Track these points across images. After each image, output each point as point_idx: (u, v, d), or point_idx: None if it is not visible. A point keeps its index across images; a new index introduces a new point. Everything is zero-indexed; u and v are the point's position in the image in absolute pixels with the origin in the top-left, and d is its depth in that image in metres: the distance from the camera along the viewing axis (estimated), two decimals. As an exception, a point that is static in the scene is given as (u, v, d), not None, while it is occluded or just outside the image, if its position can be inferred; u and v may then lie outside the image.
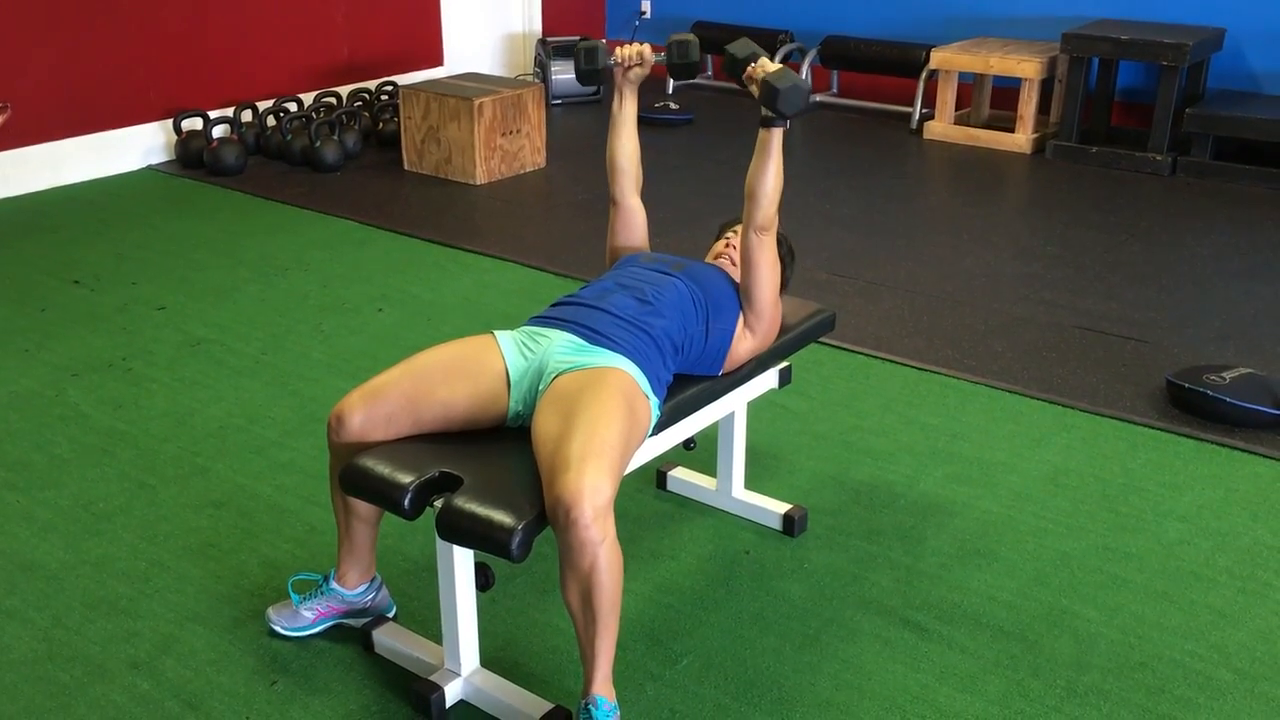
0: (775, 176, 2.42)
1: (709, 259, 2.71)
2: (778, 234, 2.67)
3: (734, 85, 7.57)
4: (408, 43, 6.94)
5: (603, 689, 2.07)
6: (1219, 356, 3.79)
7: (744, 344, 2.51)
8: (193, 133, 5.80)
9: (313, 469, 3.09)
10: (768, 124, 2.39)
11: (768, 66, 2.37)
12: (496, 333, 2.36)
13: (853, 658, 2.41)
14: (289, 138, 5.84)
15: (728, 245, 2.69)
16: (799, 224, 4.94)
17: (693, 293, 2.45)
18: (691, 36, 2.59)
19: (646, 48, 2.60)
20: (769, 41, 7.15)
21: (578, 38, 7.37)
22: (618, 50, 2.60)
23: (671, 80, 2.68)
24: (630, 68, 2.60)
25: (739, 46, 2.42)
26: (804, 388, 3.51)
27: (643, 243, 2.73)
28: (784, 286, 2.67)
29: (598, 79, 2.59)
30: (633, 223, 2.71)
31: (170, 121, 5.85)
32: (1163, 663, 2.41)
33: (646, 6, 7.94)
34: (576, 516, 1.92)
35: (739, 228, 2.68)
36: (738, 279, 2.58)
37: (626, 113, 2.66)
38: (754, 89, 2.38)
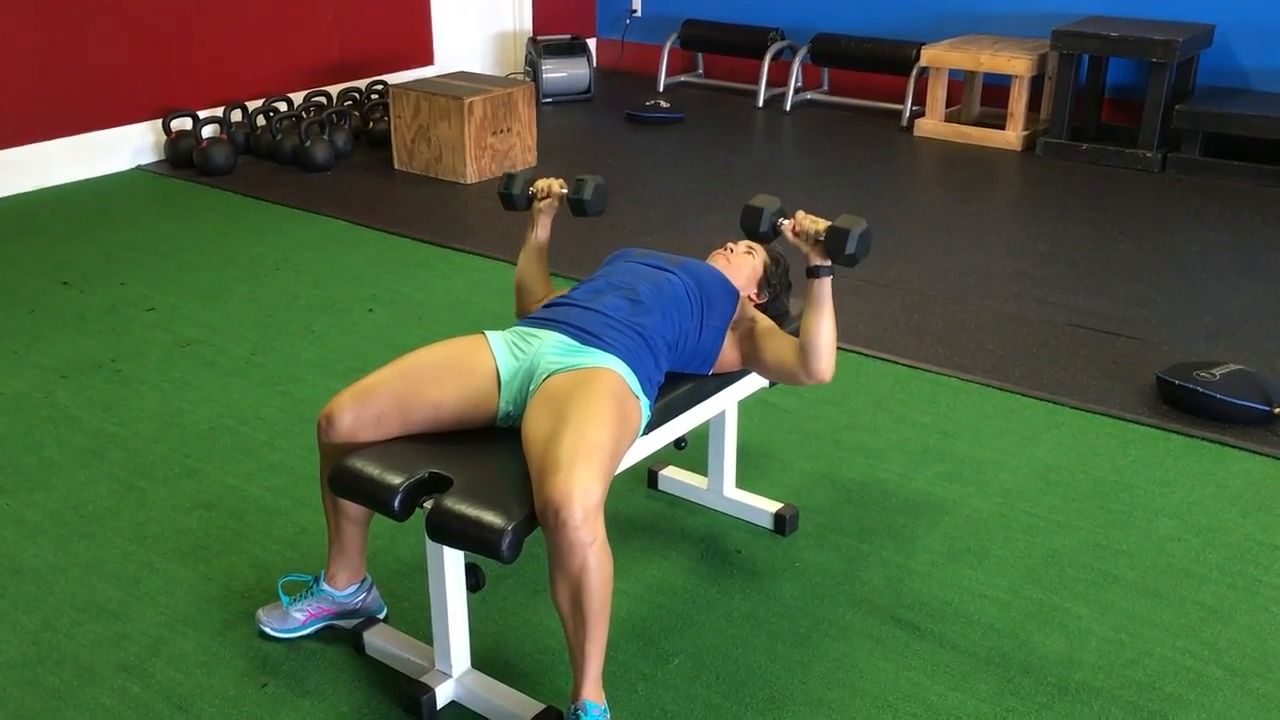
0: (832, 326, 2.34)
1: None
2: (776, 254, 2.69)
3: (726, 84, 7.61)
4: (398, 42, 6.93)
5: (592, 693, 2.07)
6: (1209, 353, 3.80)
7: (732, 355, 2.51)
8: (182, 132, 5.78)
9: (303, 470, 3.08)
10: (818, 273, 2.31)
11: (814, 218, 2.30)
12: (487, 333, 2.36)
13: (844, 656, 2.42)
14: (279, 137, 5.82)
15: (727, 249, 2.70)
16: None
17: (688, 287, 2.46)
18: (594, 177, 2.61)
19: (557, 182, 2.63)
20: (759, 39, 7.15)
21: (568, 36, 7.37)
22: (537, 182, 2.65)
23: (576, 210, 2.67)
24: (543, 199, 2.63)
25: (761, 200, 2.35)
26: (795, 386, 3.50)
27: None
28: (783, 317, 2.71)
29: (514, 205, 2.66)
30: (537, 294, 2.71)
31: (159, 121, 5.83)
32: (1153, 659, 2.41)
33: (637, 5, 7.93)
34: (566, 518, 1.92)
35: (743, 242, 2.70)
36: (730, 276, 2.59)
37: (538, 240, 2.68)
38: (800, 242, 2.31)
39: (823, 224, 2.29)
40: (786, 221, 2.34)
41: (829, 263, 2.30)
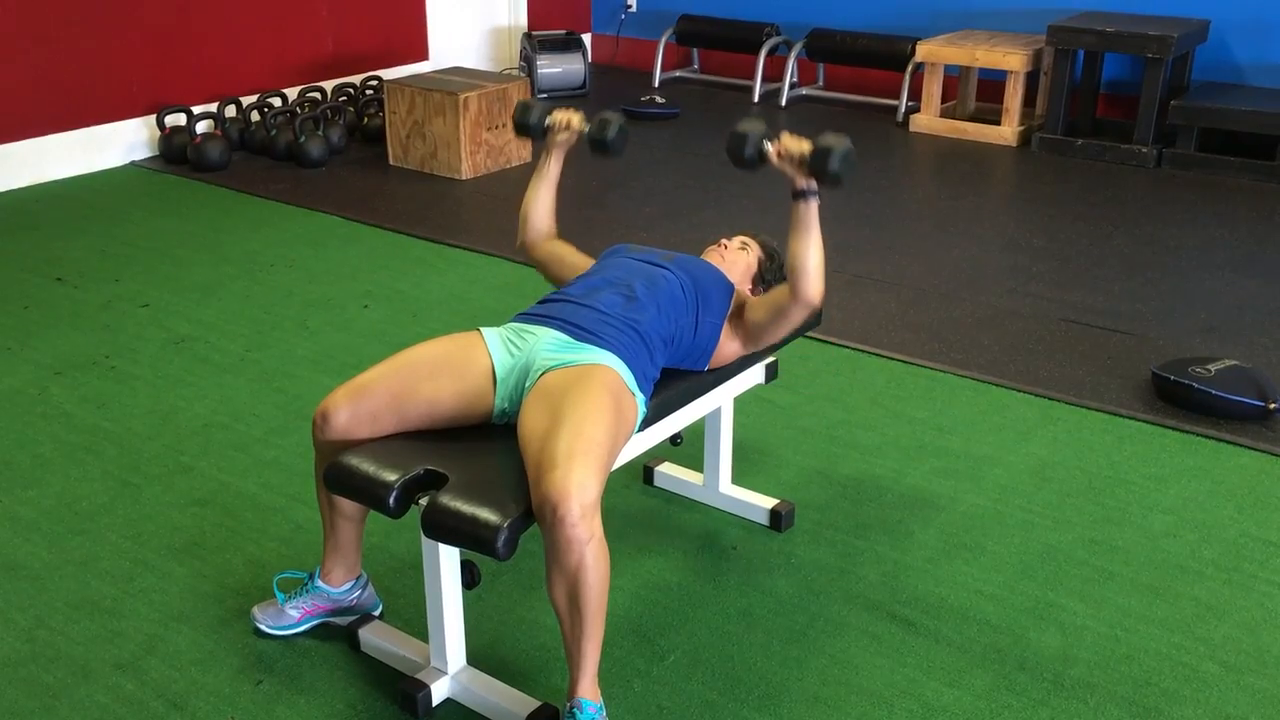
0: (820, 249, 2.36)
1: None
2: (772, 249, 2.69)
3: (721, 79, 7.59)
4: (393, 37, 6.92)
5: (588, 691, 2.07)
6: (1204, 348, 3.80)
7: (731, 345, 2.51)
8: (176, 128, 5.77)
9: (298, 466, 3.08)
10: (805, 196, 2.33)
11: (798, 138, 2.31)
12: (483, 329, 2.35)
13: (840, 652, 2.42)
14: (273, 133, 5.81)
15: (721, 245, 2.70)
16: (784, 219, 4.93)
17: (683, 284, 2.45)
18: (617, 116, 2.59)
19: (578, 116, 2.61)
20: (755, 35, 7.14)
21: (563, 32, 7.36)
22: (554, 114, 2.62)
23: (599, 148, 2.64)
24: (559, 132, 2.62)
25: (747, 123, 2.35)
26: (791, 382, 3.50)
27: (581, 264, 2.69)
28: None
29: (530, 134, 2.63)
30: (561, 263, 2.68)
31: (154, 117, 5.81)
32: (1148, 655, 2.41)
33: (632, 0, 7.92)
34: (563, 514, 1.92)
35: (738, 237, 2.71)
36: (725, 272, 2.58)
37: (549, 172, 2.68)
38: (786, 165, 2.32)
39: (807, 144, 2.30)
40: (771, 145, 2.34)
41: (815, 185, 2.32)
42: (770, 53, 7.09)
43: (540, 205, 2.68)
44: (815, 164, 2.28)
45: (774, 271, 2.72)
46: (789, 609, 2.55)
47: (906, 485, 3.03)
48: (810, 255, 2.35)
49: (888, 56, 6.74)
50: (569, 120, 2.61)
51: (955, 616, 2.53)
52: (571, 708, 2.06)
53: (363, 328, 3.97)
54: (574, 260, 2.67)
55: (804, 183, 2.32)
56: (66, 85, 5.51)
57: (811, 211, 2.34)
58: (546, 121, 2.61)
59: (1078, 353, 3.78)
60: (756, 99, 7.08)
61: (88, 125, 5.64)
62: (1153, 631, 2.48)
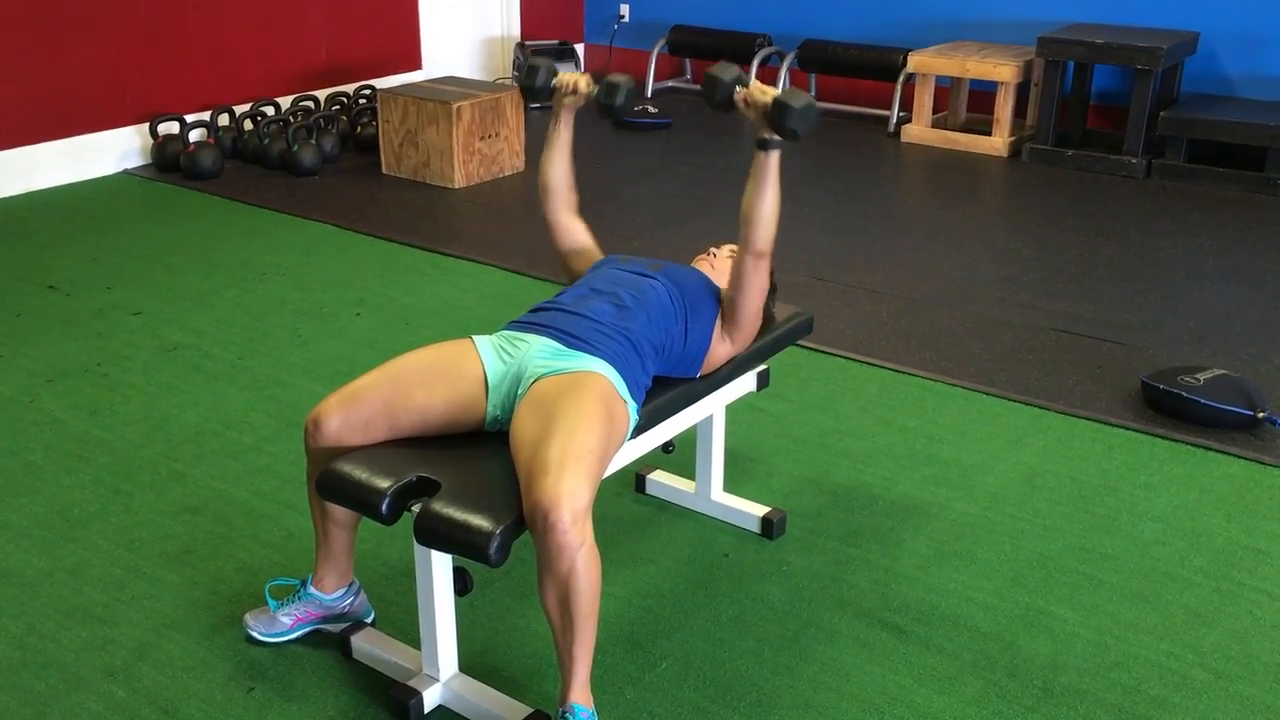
0: (774, 200, 2.38)
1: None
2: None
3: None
4: (386, 46, 6.93)
5: (580, 696, 2.08)
6: (1193, 358, 3.82)
7: (722, 347, 2.52)
8: (169, 137, 5.77)
9: (290, 474, 3.08)
10: (765, 146, 2.34)
11: (764, 88, 2.33)
12: (475, 337, 2.36)
13: (831, 659, 2.42)
14: (266, 141, 5.82)
15: (710, 254, 2.71)
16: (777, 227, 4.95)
17: (671, 293, 2.46)
18: (624, 79, 2.55)
19: (584, 79, 2.59)
20: (747, 45, 7.17)
21: (556, 42, 7.38)
22: (560, 76, 2.59)
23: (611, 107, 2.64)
24: (566, 95, 2.61)
25: (722, 69, 2.39)
26: (782, 391, 3.52)
27: (594, 254, 2.73)
28: (769, 321, 2.71)
29: (536, 97, 2.61)
30: (576, 241, 2.71)
31: (146, 125, 5.82)
32: (1138, 662, 2.43)
33: (625, 10, 7.95)
34: (555, 521, 1.92)
35: (726, 246, 2.71)
36: (715, 281, 2.59)
37: (560, 137, 2.66)
38: (750, 112, 2.34)
39: (770, 96, 2.30)
40: (740, 91, 2.36)
41: (776, 136, 2.32)
42: (762, 63, 7.11)
43: (557, 172, 2.67)
44: (774, 119, 2.29)
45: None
46: (780, 616, 2.56)
47: (897, 493, 3.04)
48: (764, 204, 2.36)
49: (879, 67, 6.77)
50: (575, 84, 2.58)
51: (946, 624, 2.53)
52: (564, 713, 2.07)
53: (355, 336, 3.98)
54: (584, 242, 2.72)
55: (765, 133, 2.33)
56: (59, 93, 5.51)
57: (769, 161, 2.34)
58: (552, 83, 2.59)
59: (1068, 362, 3.80)
60: (748, 109, 7.10)
61: (80, 133, 5.64)
62: (1142, 639, 2.50)
